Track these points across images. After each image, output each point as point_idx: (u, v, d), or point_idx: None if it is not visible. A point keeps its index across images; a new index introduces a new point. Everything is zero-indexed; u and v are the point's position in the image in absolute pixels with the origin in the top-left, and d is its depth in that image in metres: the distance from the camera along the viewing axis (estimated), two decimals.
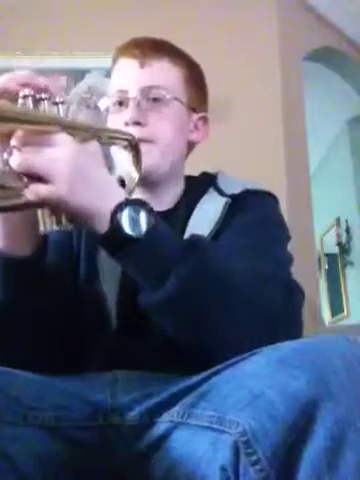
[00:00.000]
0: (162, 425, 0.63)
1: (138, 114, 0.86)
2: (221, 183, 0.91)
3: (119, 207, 0.62)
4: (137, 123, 0.86)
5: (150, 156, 0.84)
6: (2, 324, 0.70)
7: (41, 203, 0.61)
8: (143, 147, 0.79)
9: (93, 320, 0.79)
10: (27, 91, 0.61)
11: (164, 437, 0.62)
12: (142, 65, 0.88)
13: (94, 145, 0.66)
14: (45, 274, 0.73)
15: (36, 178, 0.60)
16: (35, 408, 0.62)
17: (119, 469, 0.64)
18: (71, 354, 0.78)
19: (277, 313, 0.69)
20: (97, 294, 0.80)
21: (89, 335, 0.79)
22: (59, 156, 0.60)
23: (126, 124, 0.86)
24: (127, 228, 0.62)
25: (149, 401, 0.65)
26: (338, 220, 4.39)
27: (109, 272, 0.80)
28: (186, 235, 0.83)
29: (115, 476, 0.64)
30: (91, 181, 0.62)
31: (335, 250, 4.40)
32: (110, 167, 0.83)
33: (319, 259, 4.49)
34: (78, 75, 2.44)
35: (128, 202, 0.63)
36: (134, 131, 0.84)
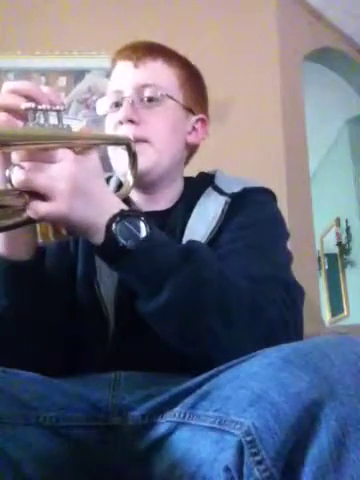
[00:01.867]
0: (164, 425, 0.62)
1: (131, 112, 0.86)
2: (219, 182, 0.91)
3: (114, 219, 0.64)
4: (130, 121, 0.86)
5: (146, 156, 0.84)
6: (3, 326, 0.70)
7: (42, 220, 0.62)
8: (138, 147, 0.79)
9: (92, 321, 0.79)
10: (29, 104, 0.62)
11: (166, 437, 0.62)
12: (136, 66, 0.89)
13: (93, 156, 0.66)
14: (44, 277, 0.73)
15: (37, 195, 0.61)
16: (36, 408, 0.62)
17: (120, 469, 0.64)
18: (72, 355, 0.78)
19: (277, 314, 0.69)
20: (95, 295, 0.80)
21: (88, 336, 0.79)
22: (60, 173, 0.61)
23: (120, 123, 0.86)
24: (122, 239, 0.63)
25: (150, 401, 0.65)
26: (338, 220, 4.39)
27: (107, 273, 0.80)
28: (185, 235, 0.83)
29: (116, 476, 0.64)
30: (90, 196, 0.63)
31: (335, 250, 4.40)
32: (108, 169, 0.83)
33: (319, 259, 4.49)
34: (78, 75, 2.44)
35: (123, 213, 0.64)
36: (128, 129, 0.84)
